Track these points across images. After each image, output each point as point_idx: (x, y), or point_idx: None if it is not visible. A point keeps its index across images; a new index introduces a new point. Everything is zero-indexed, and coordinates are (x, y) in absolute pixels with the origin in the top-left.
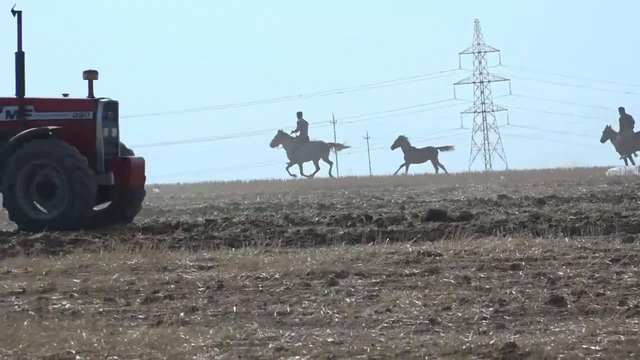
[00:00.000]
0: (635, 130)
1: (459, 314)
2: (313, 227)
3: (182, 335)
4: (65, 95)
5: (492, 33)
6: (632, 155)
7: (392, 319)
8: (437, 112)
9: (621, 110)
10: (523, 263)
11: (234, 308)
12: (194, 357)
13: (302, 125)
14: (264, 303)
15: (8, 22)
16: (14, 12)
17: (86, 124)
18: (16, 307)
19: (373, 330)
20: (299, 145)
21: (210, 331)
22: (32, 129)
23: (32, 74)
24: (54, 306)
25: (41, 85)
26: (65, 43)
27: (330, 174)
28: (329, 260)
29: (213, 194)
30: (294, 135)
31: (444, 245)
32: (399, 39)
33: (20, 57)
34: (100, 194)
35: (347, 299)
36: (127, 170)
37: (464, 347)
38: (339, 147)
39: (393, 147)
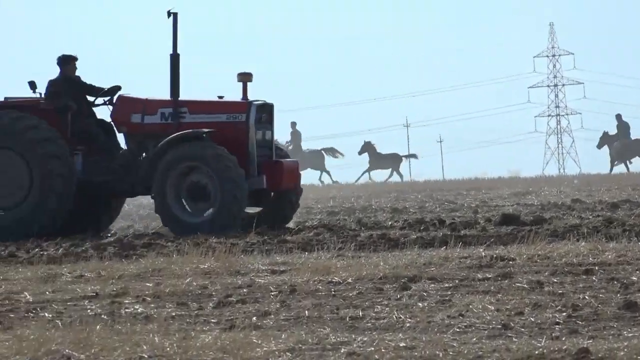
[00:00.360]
0: (632, 136)
1: (532, 319)
2: (386, 231)
3: (254, 340)
4: (220, 97)
5: (566, 36)
6: (627, 162)
7: (465, 324)
8: (511, 116)
9: (618, 117)
10: (596, 268)
11: (306, 312)
12: None
13: (296, 135)
14: (336, 307)
15: (164, 24)
16: (169, 13)
17: (239, 127)
18: (89, 311)
19: (445, 335)
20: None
21: (283, 336)
22: (184, 131)
23: (186, 75)
24: (127, 310)
25: (196, 88)
26: (221, 45)
27: (332, 180)
28: (401, 265)
29: None
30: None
31: (517, 249)
32: (474, 42)
33: (175, 58)
34: (252, 197)
35: (420, 304)
36: (279, 173)
37: (536, 352)
38: (334, 152)
39: (360, 153)
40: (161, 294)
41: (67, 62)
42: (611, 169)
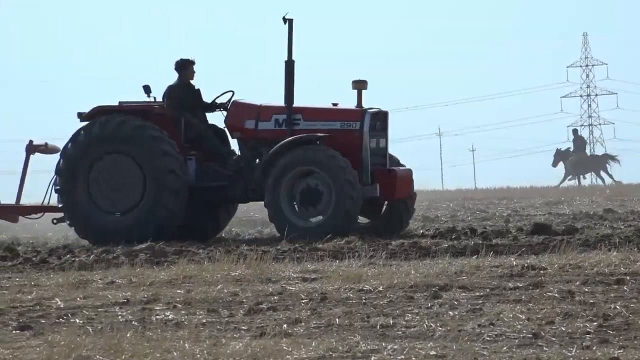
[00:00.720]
0: (587, 151)
1: (563, 328)
2: (417, 240)
3: (284, 347)
4: (334, 104)
5: (600, 46)
6: (582, 177)
7: (495, 333)
8: (544, 125)
9: (575, 131)
10: (628, 278)
11: (337, 320)
12: None
13: None
14: (367, 315)
15: (279, 30)
16: (285, 19)
17: (353, 134)
18: (120, 317)
19: (476, 344)
20: None
21: (313, 343)
22: (298, 135)
23: (301, 82)
24: (157, 317)
25: (310, 94)
26: (335, 52)
27: None
28: (432, 273)
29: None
30: None
31: (549, 259)
32: (507, 51)
33: (289, 65)
34: (362, 207)
35: (451, 312)
36: (392, 182)
37: None
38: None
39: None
40: (192, 300)
41: (185, 67)
42: (561, 182)
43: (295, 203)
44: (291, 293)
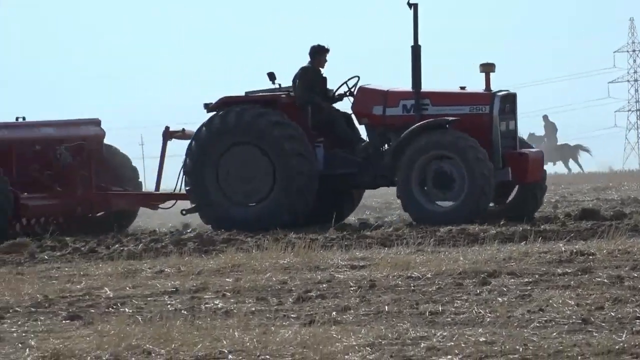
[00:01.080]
0: (558, 137)
1: (612, 314)
2: (465, 227)
3: (334, 335)
4: (462, 88)
5: None
6: (552, 164)
7: (545, 319)
8: (590, 111)
9: (545, 117)
10: None
11: (386, 307)
12: (346, 357)
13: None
14: (415, 302)
15: (405, 15)
16: (409, 4)
17: (482, 118)
18: (169, 306)
19: (525, 330)
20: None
21: (362, 331)
22: (428, 120)
23: (428, 66)
24: (207, 305)
25: (437, 79)
26: (462, 35)
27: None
28: (481, 260)
29: (366, 193)
30: None
31: (597, 244)
32: (554, 37)
33: (416, 50)
34: (496, 190)
35: (499, 299)
36: (524, 165)
37: (617, 347)
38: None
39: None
40: (241, 289)
41: (319, 53)
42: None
43: (427, 187)
44: (340, 281)
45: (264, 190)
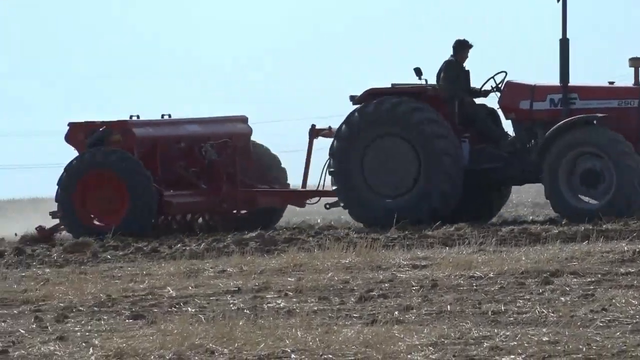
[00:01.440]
0: None
1: None
2: (527, 226)
3: (396, 334)
4: (611, 82)
5: None
6: None
7: (608, 318)
8: None
9: None
10: None
11: (448, 307)
12: (409, 356)
13: None
14: (478, 302)
15: (553, 9)
16: None
17: (631, 113)
18: (232, 305)
19: (588, 330)
20: None
21: (425, 330)
22: (576, 116)
23: (576, 61)
24: (269, 305)
25: (586, 73)
26: (614, 29)
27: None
28: (543, 259)
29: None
30: None
31: None
32: (606, 40)
33: (564, 43)
34: None
35: (562, 298)
36: None
37: None
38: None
39: None
40: (303, 288)
41: (462, 48)
42: None
43: (575, 184)
44: (402, 280)
45: (407, 183)
